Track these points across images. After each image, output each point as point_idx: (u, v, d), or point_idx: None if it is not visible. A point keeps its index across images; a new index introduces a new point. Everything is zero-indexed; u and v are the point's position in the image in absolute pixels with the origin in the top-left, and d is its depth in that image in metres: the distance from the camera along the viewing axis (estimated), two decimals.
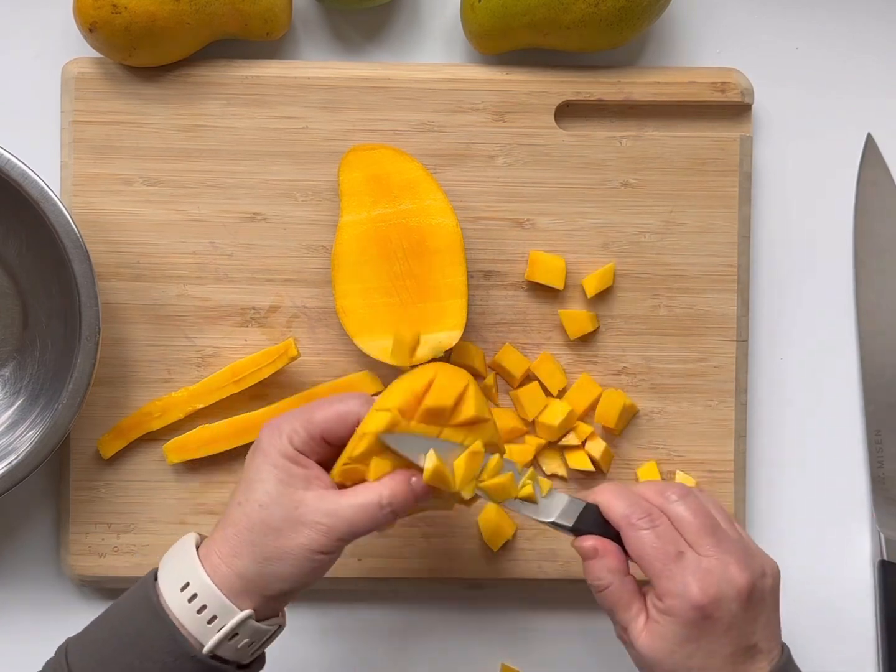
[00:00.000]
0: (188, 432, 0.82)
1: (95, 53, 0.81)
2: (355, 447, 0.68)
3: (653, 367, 0.83)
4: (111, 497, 0.82)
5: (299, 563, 0.67)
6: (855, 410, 0.86)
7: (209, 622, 0.67)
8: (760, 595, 0.68)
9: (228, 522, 0.69)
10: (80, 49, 0.81)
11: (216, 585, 0.67)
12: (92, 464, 0.82)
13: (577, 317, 0.82)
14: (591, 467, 0.82)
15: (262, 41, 0.83)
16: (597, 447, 0.82)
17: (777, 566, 0.70)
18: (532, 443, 0.82)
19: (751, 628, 0.67)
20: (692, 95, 0.83)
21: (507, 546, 0.83)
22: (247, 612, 0.67)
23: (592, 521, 0.70)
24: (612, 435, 0.83)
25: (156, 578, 0.69)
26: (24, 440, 0.78)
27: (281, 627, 0.70)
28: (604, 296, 0.83)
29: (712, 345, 0.83)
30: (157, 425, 0.82)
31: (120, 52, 0.79)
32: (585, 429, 0.82)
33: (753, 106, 0.84)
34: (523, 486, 0.70)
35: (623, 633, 0.70)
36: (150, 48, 0.79)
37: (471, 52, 0.84)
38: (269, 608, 0.68)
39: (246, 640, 0.67)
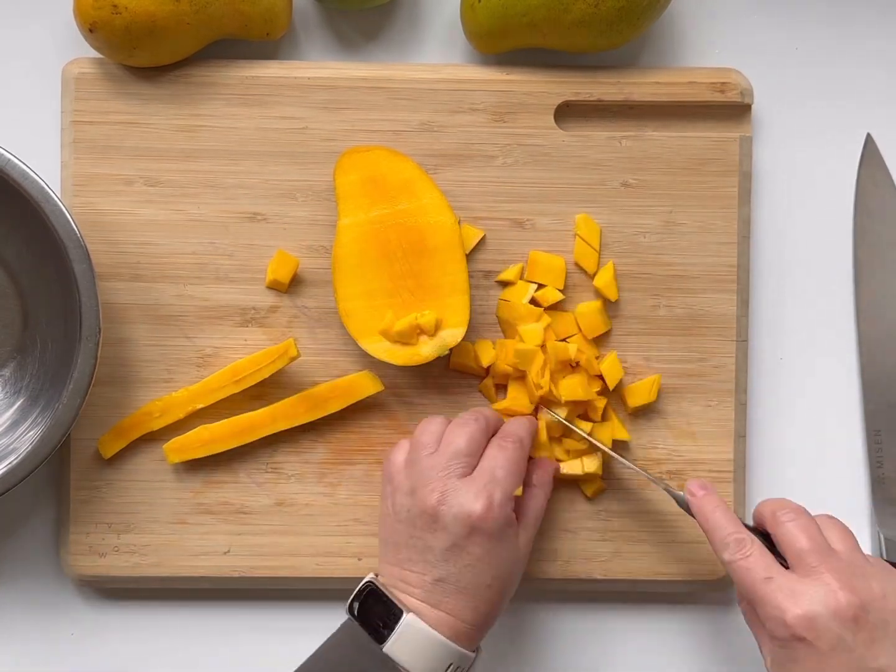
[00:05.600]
0: (188, 432, 0.82)
1: (95, 54, 0.81)
2: None
3: (653, 367, 0.83)
4: (111, 497, 0.82)
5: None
6: (855, 410, 0.86)
7: None
8: (880, 616, 0.67)
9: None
10: (80, 49, 0.81)
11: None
12: (92, 464, 0.82)
13: (590, 315, 0.82)
14: (627, 436, 0.83)
15: (262, 41, 0.83)
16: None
17: None
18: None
19: (871, 652, 0.66)
20: (692, 95, 0.83)
21: None
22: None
23: None
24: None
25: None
26: (25, 440, 0.78)
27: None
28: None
29: (712, 345, 0.83)
30: (157, 425, 0.82)
31: (120, 52, 0.79)
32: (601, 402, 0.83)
33: (753, 106, 0.84)
34: None
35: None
36: (150, 48, 0.79)
37: (471, 52, 0.84)
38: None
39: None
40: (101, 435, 0.82)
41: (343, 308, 0.80)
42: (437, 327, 0.79)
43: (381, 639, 0.72)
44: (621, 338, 0.84)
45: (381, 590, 0.74)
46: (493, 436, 0.78)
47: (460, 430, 0.76)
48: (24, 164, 0.75)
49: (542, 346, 0.81)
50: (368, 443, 0.83)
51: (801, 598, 0.67)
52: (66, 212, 0.74)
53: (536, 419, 0.81)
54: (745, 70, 0.84)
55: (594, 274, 0.83)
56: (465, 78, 0.83)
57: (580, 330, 0.83)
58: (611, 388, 0.82)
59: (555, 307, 0.83)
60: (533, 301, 0.82)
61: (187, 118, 0.82)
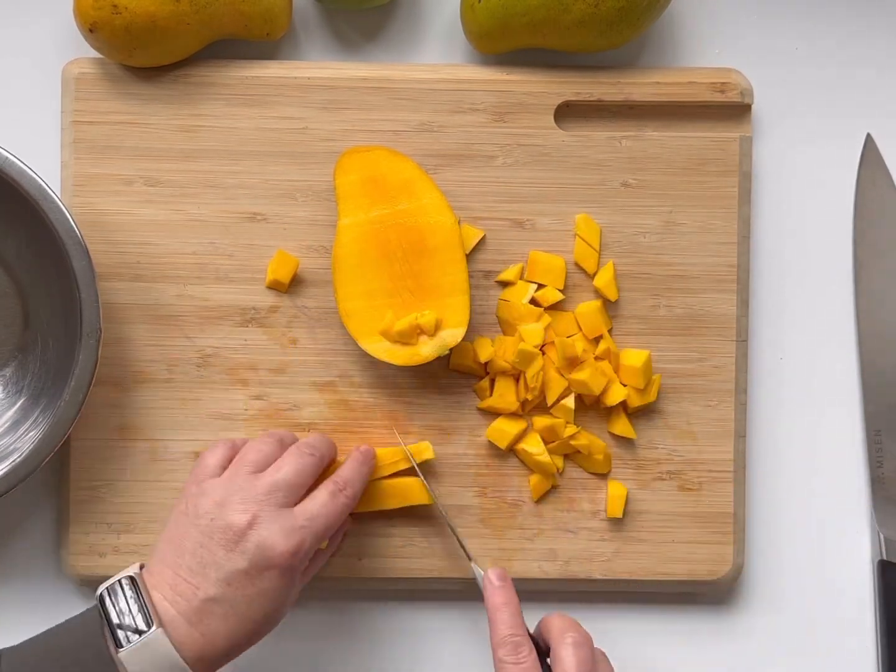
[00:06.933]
0: None
1: (95, 54, 0.81)
2: None
3: (653, 366, 0.83)
4: (111, 497, 0.82)
5: None
6: (855, 410, 0.86)
7: None
8: None
9: None
10: (81, 49, 0.82)
11: None
12: (92, 464, 0.82)
13: (590, 315, 0.82)
14: (633, 434, 0.83)
15: (262, 41, 0.83)
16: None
17: None
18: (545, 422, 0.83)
19: None
20: (692, 96, 0.83)
21: (507, 545, 0.83)
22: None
23: None
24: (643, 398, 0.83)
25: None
26: (26, 440, 0.78)
27: None
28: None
29: (712, 345, 0.83)
30: None
31: (120, 52, 0.79)
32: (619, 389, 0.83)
33: (753, 106, 0.84)
34: None
35: None
36: (150, 49, 0.79)
37: (471, 52, 0.84)
38: None
39: None
40: (101, 435, 0.82)
41: (343, 308, 0.80)
42: (437, 327, 0.79)
43: (119, 642, 0.69)
44: (621, 338, 0.83)
45: (140, 590, 0.70)
46: (327, 468, 0.77)
47: (294, 459, 0.74)
48: (22, 162, 0.75)
49: (542, 350, 0.82)
50: (368, 443, 0.83)
51: None
52: (64, 209, 0.75)
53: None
54: (745, 70, 0.84)
55: (594, 274, 0.83)
56: (465, 78, 0.83)
57: (580, 329, 0.83)
58: (641, 386, 0.82)
59: (555, 307, 0.83)
60: (533, 301, 0.82)
61: (187, 118, 0.82)
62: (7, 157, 0.75)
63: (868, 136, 0.86)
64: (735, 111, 0.84)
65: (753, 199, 0.85)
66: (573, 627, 0.73)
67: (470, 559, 0.79)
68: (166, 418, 0.83)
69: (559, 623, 0.74)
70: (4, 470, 0.76)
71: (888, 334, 0.85)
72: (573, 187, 0.83)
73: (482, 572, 0.77)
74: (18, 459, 0.76)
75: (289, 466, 0.74)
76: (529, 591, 0.84)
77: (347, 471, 0.76)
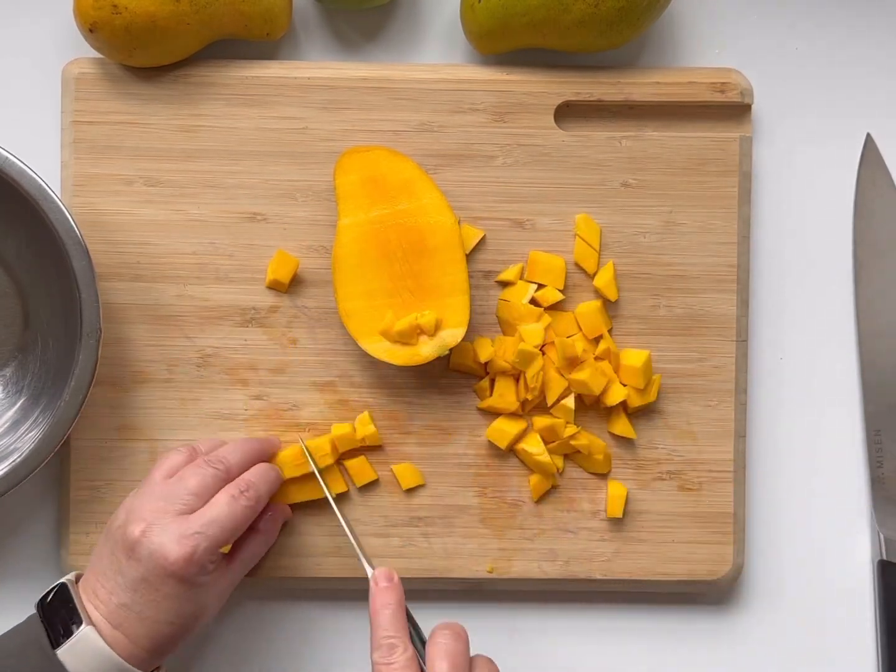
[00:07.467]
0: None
1: (95, 54, 0.81)
2: None
3: (653, 366, 0.83)
4: (111, 497, 0.82)
5: None
6: (855, 410, 0.86)
7: None
8: None
9: None
10: (81, 49, 0.82)
11: None
12: (92, 464, 0.82)
13: (590, 315, 0.82)
14: (633, 434, 0.83)
15: (262, 41, 0.83)
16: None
17: None
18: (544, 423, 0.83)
19: None
20: (692, 96, 0.83)
21: (507, 545, 0.83)
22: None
23: None
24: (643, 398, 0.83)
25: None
26: (26, 440, 0.78)
27: None
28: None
29: (712, 345, 0.83)
30: None
31: (120, 52, 0.79)
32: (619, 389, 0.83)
33: (753, 106, 0.84)
34: None
35: None
36: (151, 49, 0.79)
37: (471, 52, 0.84)
38: None
39: None
40: (101, 435, 0.82)
41: (343, 308, 0.80)
42: (437, 327, 0.79)
43: (57, 642, 0.71)
44: (621, 338, 0.83)
45: (70, 593, 0.73)
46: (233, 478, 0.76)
47: (196, 470, 0.75)
48: (22, 162, 0.75)
49: (542, 350, 0.82)
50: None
51: None
52: (63, 209, 0.75)
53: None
54: (745, 70, 0.84)
55: (594, 274, 0.83)
56: (465, 78, 0.83)
57: (580, 330, 0.83)
58: (641, 386, 0.82)
59: (555, 307, 0.83)
60: (533, 301, 0.82)
61: (187, 118, 0.82)
62: (7, 157, 0.75)
63: (868, 136, 0.86)
64: (735, 111, 0.84)
65: (753, 199, 0.85)
66: (448, 626, 0.73)
67: (361, 558, 0.77)
68: (166, 418, 0.83)
69: (439, 625, 0.73)
70: (4, 470, 0.76)
71: (888, 334, 0.85)
72: (573, 187, 0.83)
73: (372, 571, 0.76)
74: (18, 459, 0.76)
75: (191, 478, 0.74)
76: (529, 591, 0.84)
77: (252, 473, 0.76)
